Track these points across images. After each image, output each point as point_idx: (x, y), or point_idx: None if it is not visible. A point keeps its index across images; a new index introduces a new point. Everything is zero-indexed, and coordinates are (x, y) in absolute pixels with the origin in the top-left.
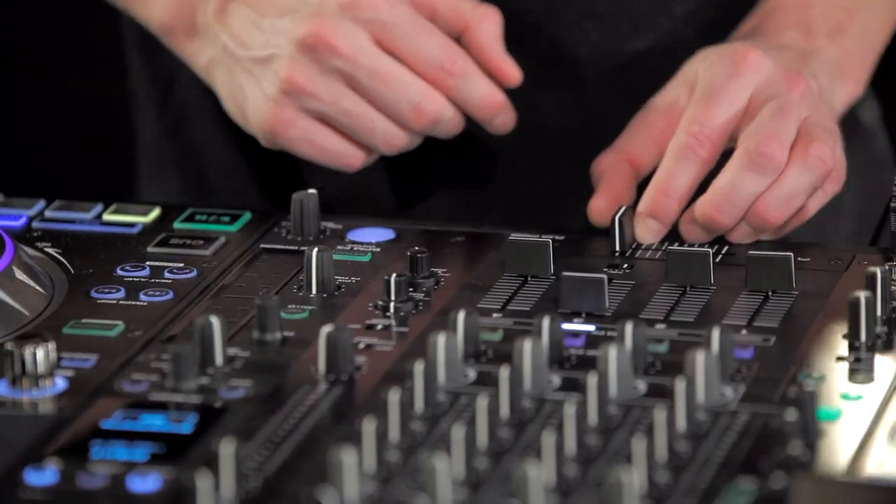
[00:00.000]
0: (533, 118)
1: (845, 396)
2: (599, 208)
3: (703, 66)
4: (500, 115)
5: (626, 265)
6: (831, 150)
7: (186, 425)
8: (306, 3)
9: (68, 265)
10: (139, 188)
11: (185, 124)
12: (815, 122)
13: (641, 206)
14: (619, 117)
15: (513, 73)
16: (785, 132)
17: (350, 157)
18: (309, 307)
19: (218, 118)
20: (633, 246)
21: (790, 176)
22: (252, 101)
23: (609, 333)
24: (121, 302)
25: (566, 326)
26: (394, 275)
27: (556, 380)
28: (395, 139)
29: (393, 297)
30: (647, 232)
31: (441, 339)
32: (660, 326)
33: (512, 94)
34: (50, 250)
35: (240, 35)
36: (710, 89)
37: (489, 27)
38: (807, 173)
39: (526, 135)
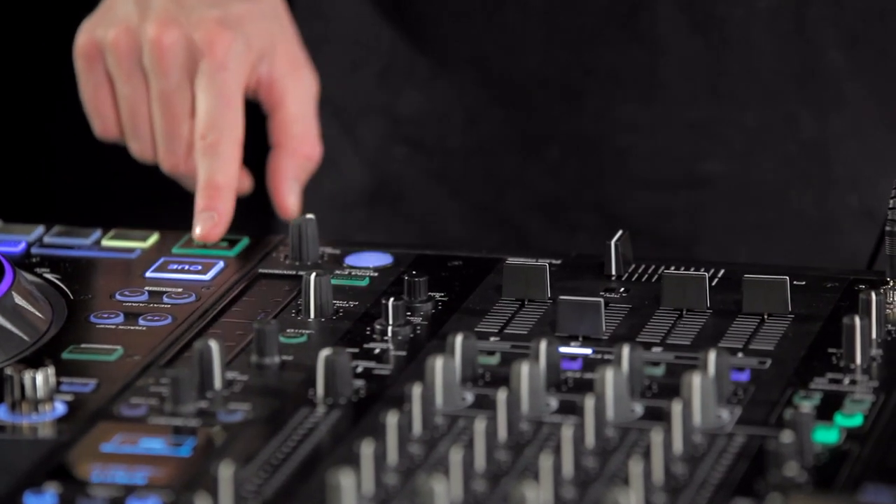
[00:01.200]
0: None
1: (841, 419)
2: None
3: None
4: (209, 213)
5: (622, 289)
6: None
7: (185, 449)
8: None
9: (67, 291)
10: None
11: None
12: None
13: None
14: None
15: (288, 207)
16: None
17: (104, 127)
18: (307, 331)
19: None
20: (629, 270)
21: None
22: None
23: (606, 357)
24: (120, 327)
25: (563, 350)
26: (391, 299)
27: (554, 403)
28: (146, 154)
29: (391, 321)
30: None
31: (439, 363)
32: (656, 350)
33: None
34: (49, 276)
35: None
36: None
37: (295, 159)
38: None
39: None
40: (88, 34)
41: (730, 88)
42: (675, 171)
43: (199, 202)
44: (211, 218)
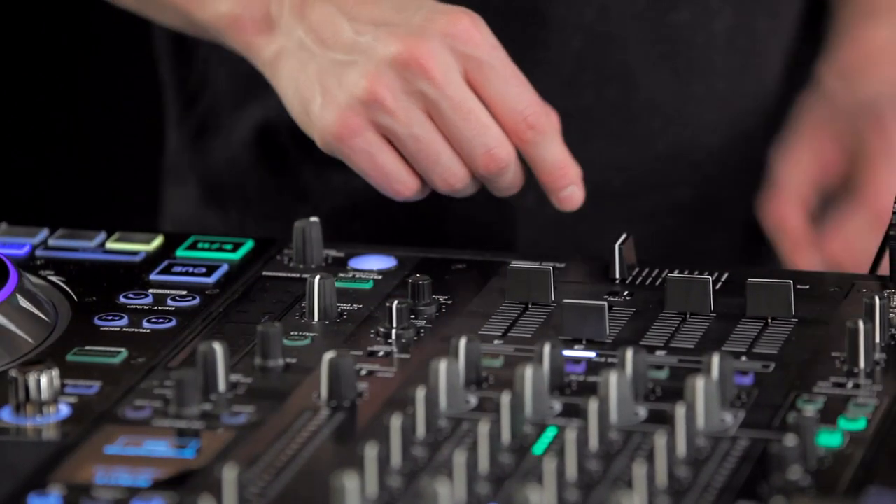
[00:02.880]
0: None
1: (844, 422)
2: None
3: (860, 123)
4: (569, 188)
5: (626, 292)
6: None
7: (189, 451)
8: (406, 20)
9: (72, 293)
10: (161, 202)
11: (207, 134)
12: None
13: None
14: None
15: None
16: None
17: (403, 184)
18: (311, 334)
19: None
20: (633, 273)
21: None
22: (322, 101)
23: (610, 360)
24: (124, 329)
25: (567, 353)
26: (395, 302)
27: (557, 406)
28: (454, 177)
29: (395, 324)
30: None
31: (443, 366)
32: (660, 353)
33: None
34: (53, 278)
35: (322, 33)
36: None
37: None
38: None
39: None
40: (331, 118)
41: (694, 114)
42: (648, 199)
43: (554, 183)
44: (573, 191)
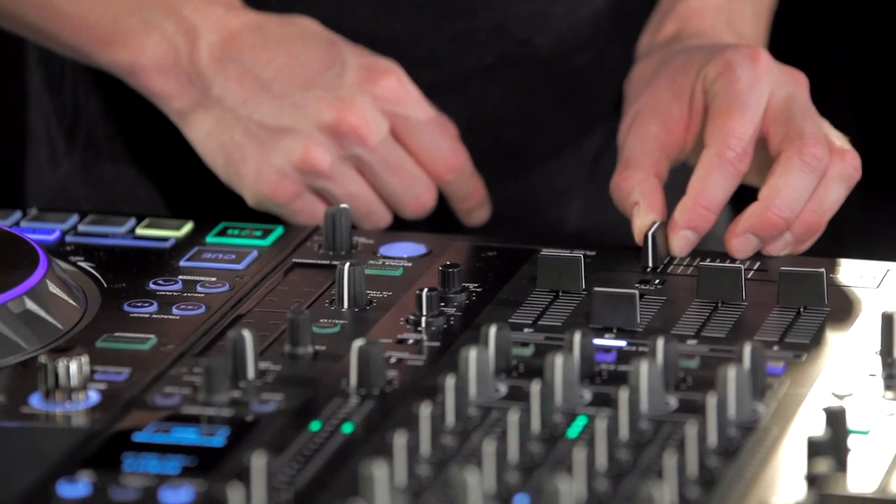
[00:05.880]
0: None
1: (877, 413)
2: (647, 227)
3: (710, 73)
4: (479, 209)
5: (657, 281)
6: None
7: (218, 438)
8: (332, 83)
9: (101, 279)
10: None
11: (94, 162)
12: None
13: (680, 219)
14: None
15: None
16: (821, 132)
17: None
18: (340, 321)
19: (129, 153)
20: (666, 261)
21: (831, 178)
22: (255, 166)
23: (640, 349)
24: (153, 316)
25: (597, 342)
26: (425, 289)
27: (588, 395)
28: (381, 221)
29: (424, 312)
30: (686, 244)
31: (472, 354)
32: (691, 342)
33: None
34: (83, 264)
35: (242, 94)
36: (735, 98)
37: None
38: (842, 172)
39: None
40: (268, 184)
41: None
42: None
43: (468, 208)
44: (482, 212)
